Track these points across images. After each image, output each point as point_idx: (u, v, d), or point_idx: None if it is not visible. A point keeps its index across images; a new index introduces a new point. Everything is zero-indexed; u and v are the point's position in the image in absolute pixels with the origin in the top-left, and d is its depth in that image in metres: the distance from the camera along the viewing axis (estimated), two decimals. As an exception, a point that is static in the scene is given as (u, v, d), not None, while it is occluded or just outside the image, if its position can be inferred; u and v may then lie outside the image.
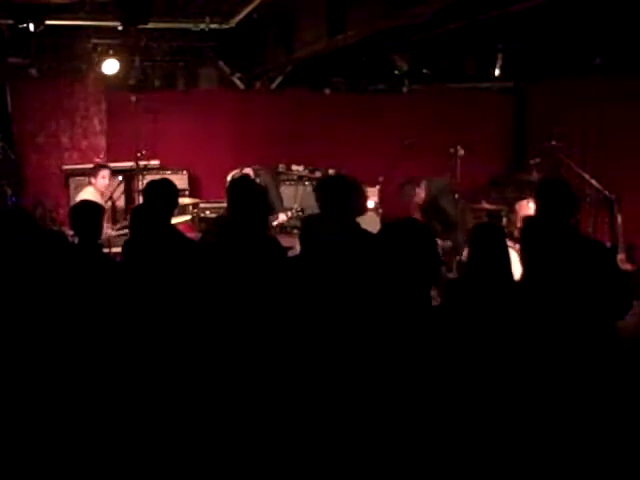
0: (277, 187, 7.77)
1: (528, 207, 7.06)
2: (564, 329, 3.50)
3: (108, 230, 6.49)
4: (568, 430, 3.13)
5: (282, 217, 7.36)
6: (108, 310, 3.75)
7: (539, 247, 3.89)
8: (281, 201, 7.57)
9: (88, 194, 6.78)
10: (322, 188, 3.95)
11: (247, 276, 3.75)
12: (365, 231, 3.80)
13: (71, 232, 4.38)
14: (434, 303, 2.49)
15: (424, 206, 6.79)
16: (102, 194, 7.18)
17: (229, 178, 7.52)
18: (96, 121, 8.86)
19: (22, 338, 3.44)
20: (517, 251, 6.26)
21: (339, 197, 3.76)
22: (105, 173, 7.17)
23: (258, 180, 7.44)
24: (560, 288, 3.59)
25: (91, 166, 7.68)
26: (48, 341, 3.46)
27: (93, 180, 7.14)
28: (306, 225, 4.06)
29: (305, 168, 8.77)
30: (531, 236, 3.98)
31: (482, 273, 3.49)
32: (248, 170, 7.31)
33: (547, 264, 3.74)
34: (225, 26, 7.61)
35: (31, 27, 6.74)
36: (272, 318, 3.42)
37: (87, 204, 4.30)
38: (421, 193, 6.71)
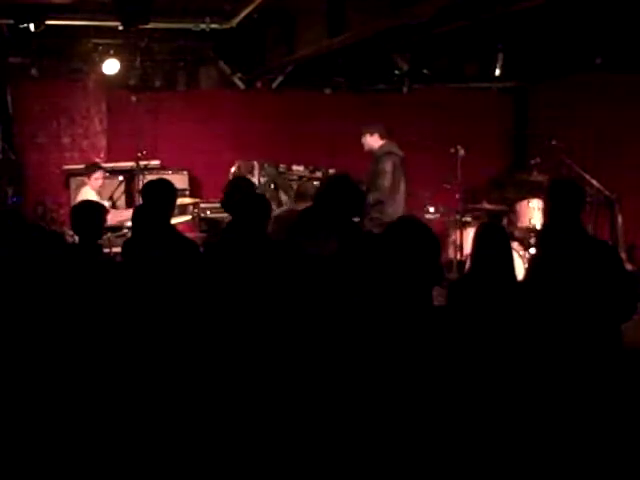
0: (282, 179, 7.83)
1: (528, 207, 7.07)
2: (570, 330, 3.50)
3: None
4: (571, 430, 3.13)
5: None
6: (107, 310, 3.75)
7: (548, 247, 3.89)
8: (291, 190, 7.67)
9: (87, 193, 6.79)
10: (328, 186, 3.94)
11: (247, 277, 3.75)
12: (364, 231, 3.80)
13: (71, 232, 4.38)
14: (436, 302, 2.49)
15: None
16: (99, 193, 7.21)
17: (233, 169, 7.60)
18: (96, 121, 8.86)
19: (22, 338, 3.44)
20: (516, 250, 6.31)
21: (340, 197, 3.76)
22: (98, 175, 7.24)
23: (263, 173, 7.54)
24: (568, 288, 3.59)
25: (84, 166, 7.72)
26: (47, 341, 3.46)
27: (87, 180, 7.19)
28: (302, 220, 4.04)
29: (305, 168, 8.78)
30: (547, 241, 3.98)
31: (486, 273, 3.49)
32: (254, 162, 7.46)
33: (556, 264, 3.74)
34: (225, 26, 7.59)
35: (31, 27, 6.74)
36: (273, 318, 3.42)
37: (88, 204, 4.30)
38: (375, 143, 6.70)
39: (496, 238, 3.60)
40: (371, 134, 6.69)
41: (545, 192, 4.04)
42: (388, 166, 6.46)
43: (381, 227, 6.26)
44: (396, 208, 6.49)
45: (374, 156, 6.68)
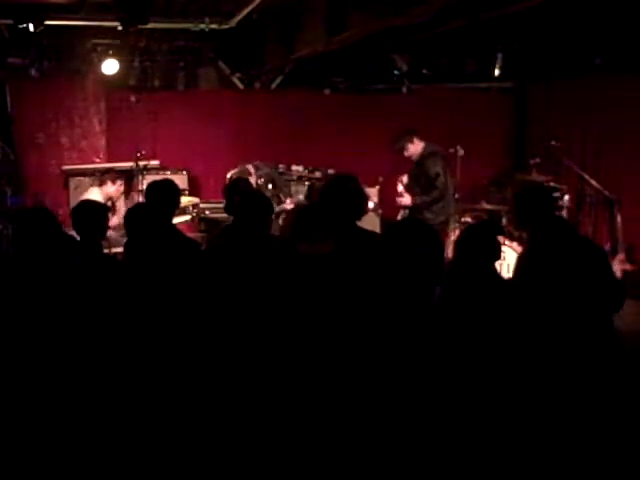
0: (280, 178, 7.81)
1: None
2: (560, 327, 3.51)
3: (111, 232, 6.47)
4: (566, 428, 3.13)
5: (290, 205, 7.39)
6: (110, 310, 3.75)
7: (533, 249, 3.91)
8: (288, 188, 7.64)
9: (93, 195, 6.76)
10: (329, 187, 3.93)
11: (250, 276, 3.75)
12: (366, 231, 3.78)
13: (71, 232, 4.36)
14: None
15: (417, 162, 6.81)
16: (106, 198, 7.16)
17: (229, 175, 7.54)
18: (96, 121, 8.85)
19: (24, 338, 3.44)
20: (515, 250, 6.32)
21: (342, 198, 3.73)
22: (120, 183, 7.18)
23: (259, 174, 7.48)
24: (555, 287, 3.61)
25: (93, 167, 7.69)
26: (49, 342, 3.46)
27: (109, 184, 7.07)
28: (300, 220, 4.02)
29: (305, 168, 8.78)
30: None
31: (467, 271, 3.50)
32: (248, 166, 7.35)
33: (543, 264, 3.76)
34: (225, 26, 7.58)
35: (31, 27, 6.73)
36: (275, 316, 3.41)
37: (89, 204, 4.30)
38: (417, 148, 6.77)
39: (480, 237, 3.62)
40: (411, 142, 6.76)
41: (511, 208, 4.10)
42: (440, 167, 6.63)
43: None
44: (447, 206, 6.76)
45: (419, 159, 6.77)
